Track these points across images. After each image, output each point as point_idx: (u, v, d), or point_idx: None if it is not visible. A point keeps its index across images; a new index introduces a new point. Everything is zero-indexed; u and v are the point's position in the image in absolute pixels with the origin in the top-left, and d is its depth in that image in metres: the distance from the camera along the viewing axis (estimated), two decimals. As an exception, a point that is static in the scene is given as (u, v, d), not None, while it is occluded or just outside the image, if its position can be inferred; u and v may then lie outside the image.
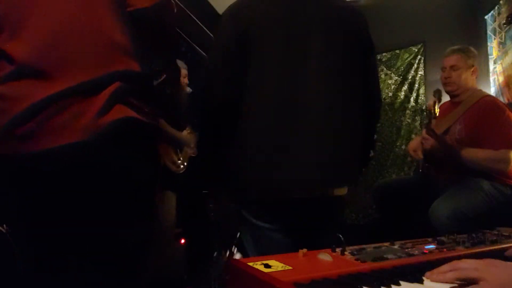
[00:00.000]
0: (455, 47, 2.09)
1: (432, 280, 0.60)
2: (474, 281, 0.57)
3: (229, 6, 1.17)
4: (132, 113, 0.78)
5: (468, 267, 0.60)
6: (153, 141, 0.89)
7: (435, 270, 0.62)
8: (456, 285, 0.59)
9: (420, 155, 2.04)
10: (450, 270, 0.60)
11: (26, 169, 0.72)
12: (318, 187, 1.11)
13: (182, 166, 2.48)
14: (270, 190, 1.08)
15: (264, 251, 1.08)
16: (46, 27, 0.74)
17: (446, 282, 0.59)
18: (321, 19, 1.13)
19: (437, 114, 1.93)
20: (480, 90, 2.13)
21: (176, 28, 0.93)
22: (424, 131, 2.01)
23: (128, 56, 0.80)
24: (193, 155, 2.63)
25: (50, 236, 0.75)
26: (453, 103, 2.10)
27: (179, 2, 2.48)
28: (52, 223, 0.75)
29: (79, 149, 0.73)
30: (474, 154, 1.83)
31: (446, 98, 2.18)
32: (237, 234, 2.22)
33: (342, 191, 1.18)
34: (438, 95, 2.00)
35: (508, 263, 0.62)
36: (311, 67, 1.09)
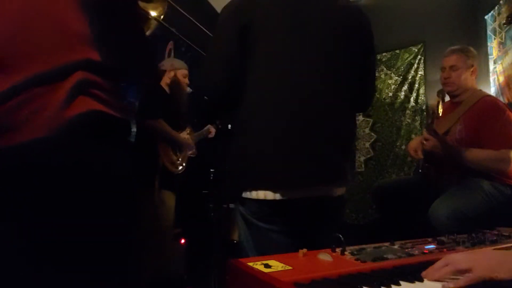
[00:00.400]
0: (455, 47, 2.09)
1: (429, 279, 0.61)
2: (466, 272, 0.60)
3: (231, 0, 1.17)
4: (98, 106, 0.74)
5: (460, 258, 0.63)
6: (124, 135, 0.84)
7: (430, 268, 0.64)
8: (453, 283, 0.60)
9: (420, 155, 2.04)
10: (444, 266, 0.63)
11: None
12: (318, 186, 1.11)
13: (181, 167, 2.48)
14: (270, 189, 1.07)
15: (264, 251, 1.07)
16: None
17: (442, 278, 0.61)
18: (323, 16, 1.13)
19: (440, 114, 1.93)
20: (480, 90, 2.13)
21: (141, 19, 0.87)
22: (425, 131, 2.01)
23: (88, 46, 0.75)
24: (192, 156, 2.63)
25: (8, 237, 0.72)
26: (453, 103, 2.10)
27: (173, 3, 2.49)
28: (10, 223, 0.72)
29: (42, 146, 0.69)
30: (474, 154, 1.83)
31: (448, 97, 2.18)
32: (236, 234, 2.23)
33: (341, 190, 1.18)
34: (441, 95, 2.00)
35: (496, 250, 0.66)
36: (312, 66, 1.09)
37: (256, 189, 1.08)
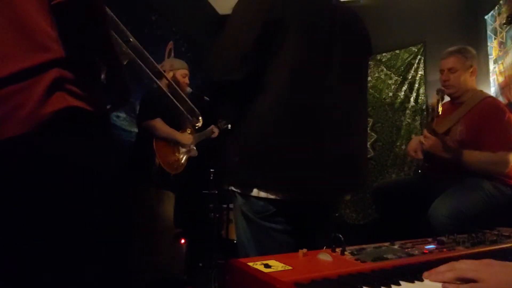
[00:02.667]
0: (452, 48, 2.07)
1: (431, 280, 0.61)
2: (472, 281, 0.58)
3: None
4: (75, 102, 0.75)
5: (466, 267, 0.61)
6: (102, 130, 0.85)
7: (433, 270, 0.63)
8: (455, 285, 0.59)
9: (420, 155, 2.04)
10: (448, 271, 0.61)
11: None
12: (329, 194, 1.10)
13: (180, 167, 2.48)
14: (276, 191, 1.06)
15: (266, 251, 1.07)
16: None
17: (445, 282, 0.60)
18: (343, 25, 1.14)
19: (440, 113, 1.93)
20: (481, 91, 2.13)
21: (105, 21, 0.87)
22: (425, 130, 2.00)
23: (58, 44, 0.76)
24: (193, 156, 2.62)
25: None
26: (454, 104, 2.09)
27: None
28: None
29: (22, 143, 0.70)
30: (472, 156, 1.83)
31: (445, 98, 2.17)
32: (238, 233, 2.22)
33: (349, 195, 1.19)
34: (441, 93, 2.00)
35: (505, 262, 0.63)
36: (331, 72, 1.09)
37: (263, 188, 1.07)
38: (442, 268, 0.63)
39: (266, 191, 1.06)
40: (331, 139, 1.07)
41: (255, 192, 1.07)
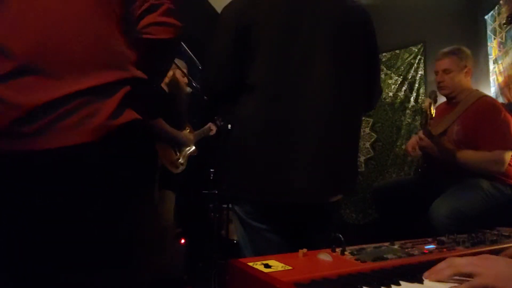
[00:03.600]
0: (446, 49, 2.08)
1: (431, 280, 0.61)
2: (469, 276, 0.59)
3: (231, 1, 1.15)
4: (137, 115, 0.82)
5: (463, 262, 0.61)
6: (151, 141, 0.92)
7: (432, 269, 0.63)
8: (455, 284, 0.59)
9: (418, 151, 2.05)
10: (447, 267, 0.62)
11: (32, 166, 0.73)
12: (314, 195, 1.09)
13: (181, 166, 2.48)
14: (267, 192, 1.06)
15: (259, 251, 1.07)
16: (49, 25, 0.74)
17: (444, 280, 0.60)
18: (327, 18, 1.10)
19: (433, 115, 1.93)
20: (477, 90, 2.13)
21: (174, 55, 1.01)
22: (420, 132, 2.01)
23: (133, 65, 0.84)
24: (193, 154, 2.62)
25: (45, 234, 0.75)
26: (450, 104, 2.09)
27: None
28: (50, 222, 0.75)
29: (88, 150, 0.74)
30: (468, 156, 1.83)
31: (442, 98, 2.17)
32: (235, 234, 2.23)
33: (338, 197, 1.17)
34: (433, 96, 2.00)
35: (501, 257, 0.65)
36: (314, 70, 1.07)
37: (253, 190, 1.07)
38: (440, 265, 0.63)
39: (249, 194, 1.08)
40: (309, 142, 1.04)
41: (244, 196, 1.09)
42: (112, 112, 0.76)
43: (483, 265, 0.60)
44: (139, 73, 0.84)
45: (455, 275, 0.60)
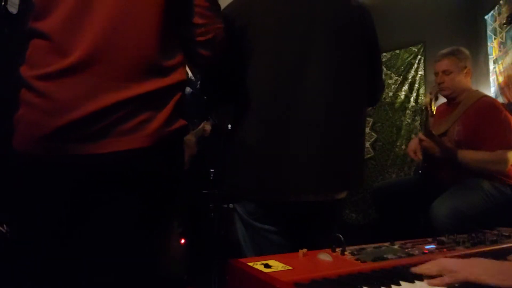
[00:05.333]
0: (445, 51, 2.07)
1: (432, 285, 0.61)
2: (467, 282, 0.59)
3: (231, 2, 1.16)
4: (185, 121, 0.84)
5: (449, 261, 0.64)
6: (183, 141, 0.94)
7: (422, 266, 0.65)
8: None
9: (419, 156, 2.04)
10: (437, 269, 0.63)
11: (89, 170, 0.73)
12: (318, 192, 1.09)
13: (185, 165, 2.48)
14: (271, 191, 1.07)
15: (261, 252, 1.07)
16: (106, 26, 0.74)
17: (444, 286, 0.61)
18: (327, 17, 1.10)
19: (434, 112, 1.93)
20: (477, 90, 2.13)
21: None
22: (420, 133, 2.01)
23: (183, 68, 0.85)
24: (193, 154, 2.62)
25: (86, 236, 0.76)
26: (450, 105, 2.09)
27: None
28: (98, 224, 0.76)
29: (142, 155, 0.75)
30: (470, 156, 1.83)
31: (442, 99, 2.17)
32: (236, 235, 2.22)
33: (342, 194, 1.17)
34: (434, 92, 2.00)
35: (494, 260, 0.67)
36: (313, 67, 1.06)
37: (254, 190, 1.07)
38: (429, 266, 0.64)
39: (251, 194, 1.08)
40: (310, 138, 1.04)
41: (245, 194, 1.09)
42: (167, 117, 0.77)
43: (465, 263, 0.62)
44: (185, 77, 0.85)
45: (440, 272, 0.62)
